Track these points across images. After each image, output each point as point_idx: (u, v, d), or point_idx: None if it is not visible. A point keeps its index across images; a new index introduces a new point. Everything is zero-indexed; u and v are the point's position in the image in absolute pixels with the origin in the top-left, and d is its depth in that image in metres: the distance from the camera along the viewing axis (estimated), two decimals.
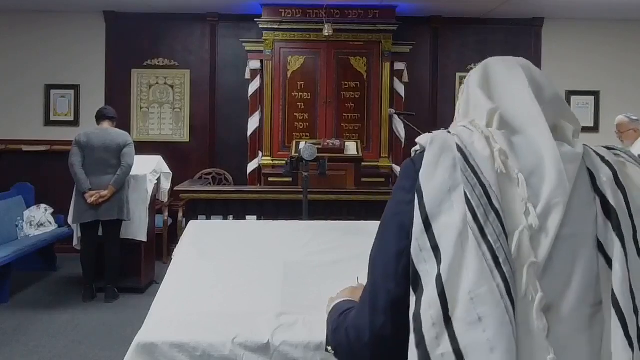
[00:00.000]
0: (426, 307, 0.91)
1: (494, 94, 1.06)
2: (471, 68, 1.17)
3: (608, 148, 1.05)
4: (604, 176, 0.97)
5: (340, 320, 1.14)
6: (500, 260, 0.89)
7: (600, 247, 0.94)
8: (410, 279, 0.95)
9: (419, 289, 0.94)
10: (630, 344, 0.90)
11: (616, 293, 0.91)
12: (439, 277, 0.91)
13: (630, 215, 0.95)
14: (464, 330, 0.88)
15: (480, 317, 0.87)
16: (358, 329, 1.05)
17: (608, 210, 0.95)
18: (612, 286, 0.92)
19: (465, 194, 0.93)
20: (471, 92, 1.09)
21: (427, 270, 0.93)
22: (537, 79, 1.07)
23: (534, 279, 0.90)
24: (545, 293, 0.91)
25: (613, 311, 0.91)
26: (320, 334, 1.32)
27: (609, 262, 0.93)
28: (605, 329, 0.92)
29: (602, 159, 1.00)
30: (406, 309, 0.96)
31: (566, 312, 0.92)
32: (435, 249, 0.93)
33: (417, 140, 1.05)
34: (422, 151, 1.01)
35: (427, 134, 1.04)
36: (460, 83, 5.31)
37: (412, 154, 1.06)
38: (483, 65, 1.12)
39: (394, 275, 0.99)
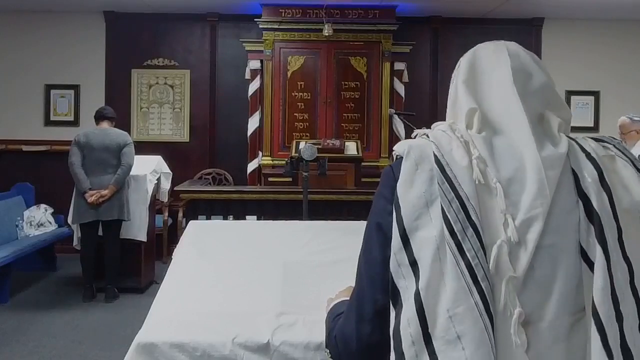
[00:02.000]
0: (405, 324, 0.90)
1: (477, 88, 1.04)
2: None
3: (597, 140, 1.03)
4: (589, 177, 0.95)
5: (333, 325, 1.14)
6: (479, 277, 0.88)
7: (583, 253, 0.92)
8: (389, 293, 0.95)
9: (398, 304, 0.93)
10: (610, 355, 0.88)
11: (596, 303, 0.90)
12: (417, 295, 0.90)
13: (615, 217, 0.93)
14: (443, 349, 0.88)
15: (459, 336, 0.87)
16: (345, 338, 1.05)
17: (591, 214, 0.93)
18: (592, 295, 0.91)
19: (442, 208, 0.92)
20: (458, 86, 1.06)
21: (405, 286, 0.93)
22: (526, 67, 1.04)
23: (513, 294, 0.90)
24: (525, 306, 0.90)
25: (592, 321, 0.90)
26: (320, 334, 1.32)
27: (592, 268, 0.91)
28: (588, 338, 0.91)
29: (588, 155, 0.98)
30: None
31: (546, 323, 0.91)
32: (414, 264, 0.92)
33: (395, 147, 1.03)
34: (401, 157, 1.00)
35: (405, 140, 1.03)
36: None
37: (393, 158, 1.05)
38: (472, 53, 1.10)
39: (380, 284, 0.98)
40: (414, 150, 0.98)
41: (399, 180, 0.97)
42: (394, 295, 0.94)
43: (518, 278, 0.90)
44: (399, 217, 0.95)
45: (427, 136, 1.03)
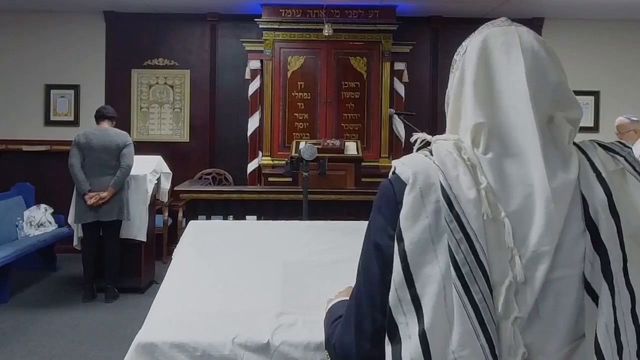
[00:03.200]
0: None
1: (487, 94, 0.97)
2: None
3: (606, 148, 0.99)
4: (598, 204, 0.92)
5: (331, 330, 1.13)
6: (485, 320, 0.87)
7: (587, 285, 0.91)
8: (386, 326, 0.93)
9: (395, 340, 0.92)
10: None
11: (599, 338, 0.89)
12: (422, 335, 0.89)
13: (622, 246, 0.91)
14: None
15: None
16: (344, 349, 1.04)
17: (599, 246, 0.90)
18: (595, 329, 0.89)
19: (450, 248, 0.89)
20: (466, 83, 1.00)
21: (405, 322, 0.91)
22: (540, 64, 0.98)
23: (518, 335, 0.89)
24: (529, 342, 0.89)
25: (595, 357, 0.89)
26: (320, 334, 1.32)
27: (594, 298, 0.90)
28: None
29: (598, 175, 0.94)
30: None
31: (548, 355, 0.91)
32: (416, 302, 0.90)
33: (397, 167, 0.98)
34: (400, 176, 0.96)
35: (408, 162, 0.97)
36: None
37: (392, 170, 1.00)
38: (482, 42, 1.01)
39: (380, 304, 0.96)
40: (420, 179, 0.93)
41: (403, 211, 0.93)
42: (392, 330, 0.92)
43: (523, 318, 0.89)
44: (402, 250, 0.91)
45: (430, 153, 0.97)
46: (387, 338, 0.93)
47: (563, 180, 0.92)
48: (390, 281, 0.93)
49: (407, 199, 0.93)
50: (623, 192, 0.95)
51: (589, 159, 0.96)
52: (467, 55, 1.02)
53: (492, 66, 0.99)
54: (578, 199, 0.92)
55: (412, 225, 0.92)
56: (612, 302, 0.89)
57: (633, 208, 0.94)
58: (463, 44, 1.06)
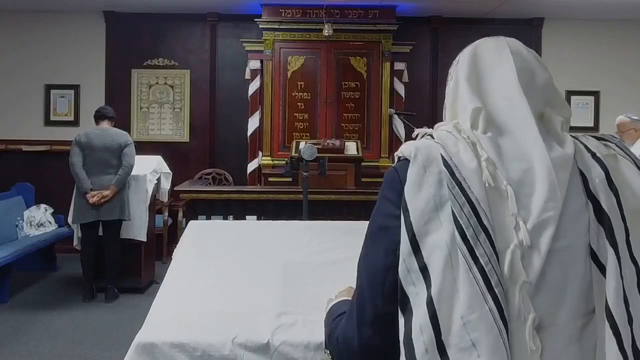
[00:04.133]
0: (418, 332, 0.89)
1: (481, 86, 1.02)
2: None
3: (597, 138, 1.02)
4: (596, 177, 0.94)
5: (333, 326, 1.13)
6: (492, 282, 0.88)
7: (593, 255, 0.92)
8: (398, 299, 0.93)
9: (407, 310, 0.92)
10: (625, 357, 0.88)
11: (610, 305, 0.90)
12: (430, 301, 0.89)
13: (623, 218, 0.93)
14: (458, 357, 0.87)
15: (473, 343, 0.86)
16: (347, 339, 1.04)
17: (601, 216, 0.92)
18: (605, 297, 0.90)
19: (453, 213, 0.90)
20: (460, 83, 1.05)
21: (416, 292, 0.91)
22: (529, 65, 1.03)
23: (527, 300, 0.89)
24: (539, 310, 0.90)
25: (607, 324, 0.89)
26: (320, 334, 1.32)
27: (602, 270, 0.91)
28: (599, 340, 0.91)
29: (594, 155, 0.97)
30: (394, 321, 0.94)
31: (559, 326, 0.91)
32: (424, 270, 0.91)
33: (400, 150, 1.01)
34: (405, 159, 0.98)
35: (410, 142, 1.01)
36: None
37: (395, 160, 1.03)
38: (473, 49, 1.08)
39: (381, 290, 0.97)
40: (421, 153, 0.96)
41: (407, 184, 0.95)
42: (403, 301, 0.92)
43: (531, 283, 0.90)
44: (408, 221, 0.93)
45: (432, 137, 1.01)
46: (399, 311, 0.93)
47: (561, 153, 0.95)
48: (391, 263, 0.95)
49: (410, 171, 0.95)
50: (617, 172, 0.97)
51: (582, 143, 1.00)
52: (459, 64, 1.08)
53: (482, 63, 1.05)
54: (577, 174, 0.95)
55: (415, 196, 0.94)
56: (620, 271, 0.90)
57: (629, 186, 0.96)
58: (457, 57, 1.11)
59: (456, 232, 0.90)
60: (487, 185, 0.92)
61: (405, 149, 1.00)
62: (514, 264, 0.89)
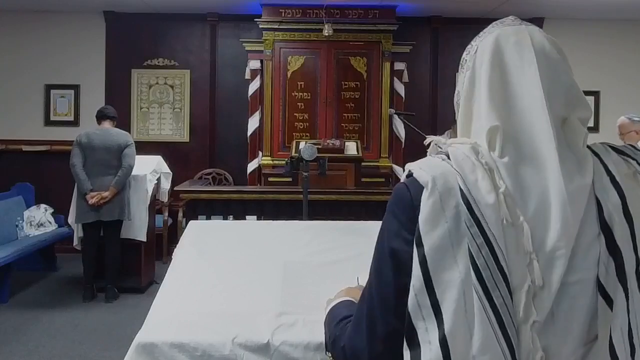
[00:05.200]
0: None
1: (501, 95, 0.97)
2: None
3: (619, 151, 1.00)
4: (612, 206, 0.92)
5: (337, 332, 1.12)
6: (506, 323, 0.87)
7: (601, 287, 0.91)
8: (405, 331, 0.93)
9: (414, 344, 0.92)
10: None
11: (614, 342, 0.90)
12: (443, 340, 0.88)
13: (635, 249, 0.92)
14: None
15: None
16: (355, 352, 1.03)
17: (613, 249, 0.91)
18: (610, 332, 0.90)
19: (470, 252, 0.89)
20: (479, 82, 0.99)
21: (425, 327, 0.90)
22: (553, 64, 0.98)
23: (536, 339, 0.89)
24: (544, 346, 0.90)
25: (609, 357, 0.90)
26: (320, 334, 1.32)
27: (608, 302, 0.91)
28: None
29: (612, 179, 0.94)
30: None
31: (564, 356, 0.91)
32: (435, 307, 0.90)
33: (414, 171, 0.96)
34: (417, 180, 0.95)
35: (426, 165, 0.96)
36: None
37: (405, 173, 0.99)
38: (494, 42, 1.00)
39: (393, 309, 0.96)
40: (439, 183, 0.93)
41: (422, 216, 0.92)
42: (410, 334, 0.92)
43: (540, 322, 0.90)
44: (422, 256, 0.91)
45: (447, 156, 0.97)
46: (405, 343, 0.93)
47: (579, 184, 0.92)
48: (404, 284, 0.93)
49: (427, 203, 0.92)
50: (636, 195, 0.95)
51: (602, 162, 0.96)
52: (478, 55, 1.02)
53: (505, 67, 0.98)
54: (593, 202, 0.93)
55: (431, 230, 0.91)
56: (627, 305, 0.90)
57: None
58: (472, 43, 1.05)
59: (472, 272, 0.88)
60: (504, 222, 0.90)
61: (420, 175, 0.95)
62: (526, 304, 0.89)
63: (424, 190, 0.93)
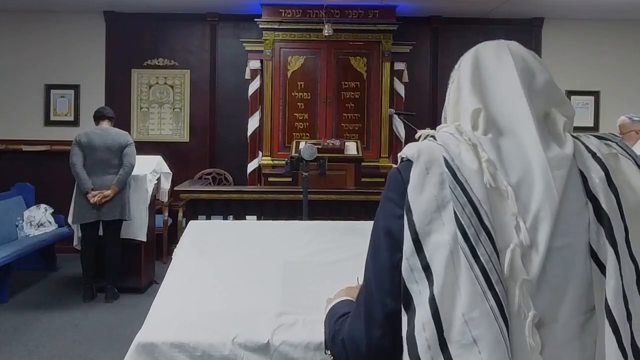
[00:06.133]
0: (420, 329, 0.91)
1: (482, 88, 1.04)
2: None
3: (599, 137, 1.04)
4: (596, 177, 0.96)
5: (336, 327, 1.13)
6: (493, 280, 0.89)
7: (593, 254, 0.94)
8: (401, 297, 0.95)
9: (410, 308, 0.94)
10: (624, 355, 0.90)
11: (610, 304, 0.91)
12: (432, 299, 0.91)
13: (623, 218, 0.95)
14: (459, 353, 0.89)
15: (475, 340, 0.88)
16: (354, 341, 1.04)
17: (600, 216, 0.94)
18: (605, 296, 0.92)
19: (455, 213, 0.92)
20: (462, 86, 1.07)
21: (418, 290, 0.93)
22: (529, 65, 1.06)
23: (527, 297, 0.91)
24: (539, 308, 0.91)
25: (607, 322, 0.91)
26: (320, 334, 1.32)
27: (602, 269, 0.93)
28: (599, 337, 0.93)
29: (594, 155, 0.99)
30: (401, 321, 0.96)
31: (560, 324, 0.93)
32: (427, 269, 0.93)
33: (403, 151, 1.03)
34: (408, 160, 1.00)
35: (413, 144, 1.03)
36: None
37: (399, 161, 1.05)
38: (474, 54, 1.10)
39: (389, 289, 0.98)
40: (424, 154, 0.98)
41: (410, 185, 0.97)
42: (406, 300, 0.94)
43: (531, 281, 0.92)
44: (411, 221, 0.95)
45: (434, 138, 1.03)
46: (402, 309, 0.95)
47: (559, 153, 0.97)
48: (398, 262, 0.96)
49: (413, 173, 0.97)
50: (618, 171, 0.99)
51: (583, 144, 1.02)
52: (461, 69, 1.10)
53: (484, 66, 1.07)
54: (577, 174, 0.97)
55: (418, 196, 0.96)
56: (619, 270, 0.92)
57: (630, 185, 0.98)
58: (459, 61, 1.14)
59: (458, 232, 0.91)
60: (488, 186, 0.94)
61: (408, 151, 1.01)
62: (514, 263, 0.91)
63: (412, 164, 0.98)
